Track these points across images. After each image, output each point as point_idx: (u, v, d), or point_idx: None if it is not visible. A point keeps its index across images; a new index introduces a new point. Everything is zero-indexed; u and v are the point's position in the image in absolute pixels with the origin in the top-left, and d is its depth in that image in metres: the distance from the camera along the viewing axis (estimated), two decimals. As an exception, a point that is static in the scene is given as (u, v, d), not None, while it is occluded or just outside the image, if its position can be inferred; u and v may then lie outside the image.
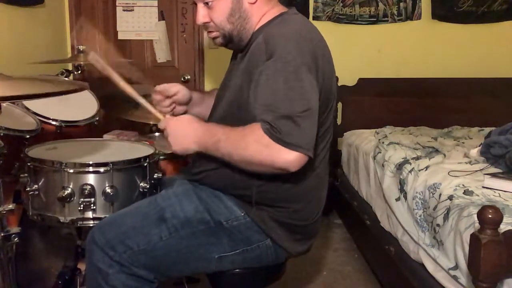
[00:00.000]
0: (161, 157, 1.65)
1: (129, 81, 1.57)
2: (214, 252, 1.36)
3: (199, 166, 1.42)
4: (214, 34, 1.40)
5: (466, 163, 2.08)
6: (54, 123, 1.85)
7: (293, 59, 1.20)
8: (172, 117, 1.39)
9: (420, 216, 1.87)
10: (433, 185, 1.84)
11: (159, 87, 1.56)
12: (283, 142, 1.14)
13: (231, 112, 1.36)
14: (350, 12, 3.32)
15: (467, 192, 1.69)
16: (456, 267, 1.53)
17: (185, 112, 1.62)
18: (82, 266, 1.78)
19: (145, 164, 1.53)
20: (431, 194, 1.81)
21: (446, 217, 1.64)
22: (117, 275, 1.31)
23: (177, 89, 1.54)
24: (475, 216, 1.30)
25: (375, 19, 3.34)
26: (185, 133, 1.31)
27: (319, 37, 1.36)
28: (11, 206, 1.32)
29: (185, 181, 1.50)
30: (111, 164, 1.45)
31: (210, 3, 1.35)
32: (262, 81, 1.22)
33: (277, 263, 1.45)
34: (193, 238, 1.34)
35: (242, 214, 1.36)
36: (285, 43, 1.24)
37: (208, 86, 3.35)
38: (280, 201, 1.36)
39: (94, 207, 1.45)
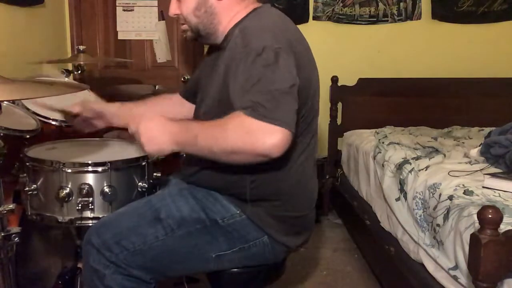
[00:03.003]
0: (160, 157, 1.64)
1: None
2: (211, 251, 1.36)
3: (193, 166, 1.42)
4: (183, 27, 1.43)
5: (466, 163, 2.08)
6: (54, 123, 1.85)
7: (269, 46, 1.18)
8: (143, 118, 1.29)
9: (420, 216, 1.87)
10: (433, 185, 1.83)
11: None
12: (268, 119, 1.09)
13: (215, 108, 1.34)
14: (350, 12, 3.32)
15: (467, 192, 1.68)
16: (456, 267, 1.53)
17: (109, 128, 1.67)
18: (82, 266, 1.78)
19: (144, 164, 1.52)
20: (431, 194, 1.81)
21: (446, 217, 1.64)
22: (113, 276, 1.30)
23: (78, 111, 1.62)
24: (475, 216, 1.29)
25: (375, 19, 3.33)
26: (158, 132, 1.24)
27: (295, 29, 1.38)
28: (11, 206, 1.32)
29: (179, 181, 1.49)
30: (109, 164, 1.44)
31: None
32: (240, 71, 1.20)
33: (275, 261, 1.45)
34: (189, 238, 1.34)
35: (238, 212, 1.36)
36: (260, 33, 1.25)
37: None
38: (275, 194, 1.35)
39: (92, 207, 1.44)
